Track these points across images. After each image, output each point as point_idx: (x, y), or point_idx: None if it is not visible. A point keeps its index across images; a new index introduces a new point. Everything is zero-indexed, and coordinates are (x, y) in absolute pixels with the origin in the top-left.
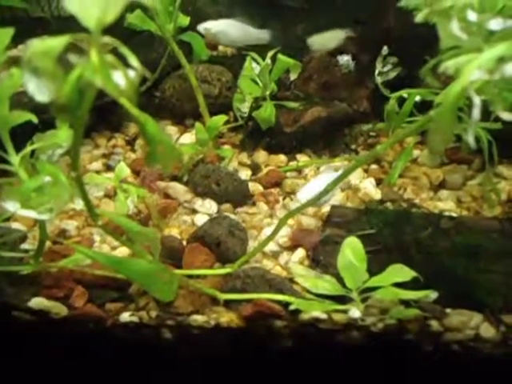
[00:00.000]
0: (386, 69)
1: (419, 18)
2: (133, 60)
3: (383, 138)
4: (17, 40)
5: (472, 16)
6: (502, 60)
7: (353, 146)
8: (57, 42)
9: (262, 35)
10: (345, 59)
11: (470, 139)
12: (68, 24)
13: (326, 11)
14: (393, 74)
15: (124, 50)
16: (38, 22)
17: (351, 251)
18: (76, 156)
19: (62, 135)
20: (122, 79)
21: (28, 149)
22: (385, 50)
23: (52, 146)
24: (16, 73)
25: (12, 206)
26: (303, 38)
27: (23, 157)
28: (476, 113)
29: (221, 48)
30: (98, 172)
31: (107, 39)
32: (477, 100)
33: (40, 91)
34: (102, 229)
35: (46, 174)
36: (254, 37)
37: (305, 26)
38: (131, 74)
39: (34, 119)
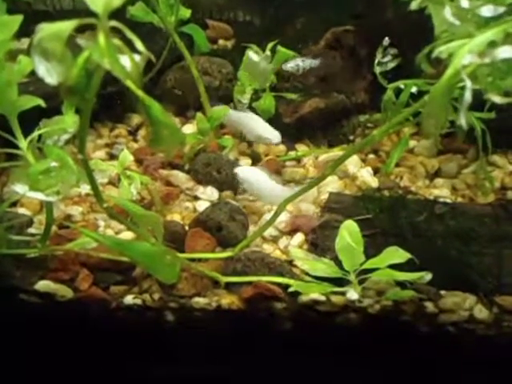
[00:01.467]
0: (385, 59)
1: (414, 5)
2: (139, 44)
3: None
4: (19, 33)
5: (464, 3)
6: (492, 44)
7: (351, 137)
8: (66, 26)
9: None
10: (289, 66)
11: (462, 121)
12: (70, 17)
13: (324, 4)
14: (392, 65)
15: (130, 35)
16: (40, 14)
17: (349, 234)
18: (83, 139)
19: (69, 121)
20: (128, 62)
21: (36, 133)
22: (386, 40)
23: (58, 131)
24: (23, 60)
25: (21, 189)
26: (302, 31)
27: (31, 141)
28: (467, 95)
29: (221, 42)
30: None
31: (114, 23)
32: (468, 83)
33: (49, 74)
34: (108, 212)
35: (53, 158)
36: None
37: (304, 20)
38: (137, 57)
39: (42, 104)
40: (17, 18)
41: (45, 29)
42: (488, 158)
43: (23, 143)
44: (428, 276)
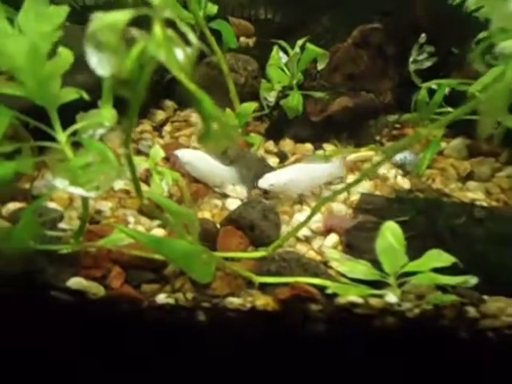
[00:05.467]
0: (420, 57)
1: (471, 3)
2: (191, 36)
3: (407, 130)
4: None
5: None
6: None
7: (377, 137)
8: (121, 17)
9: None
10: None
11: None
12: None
13: (351, 1)
14: (427, 64)
15: (184, 27)
16: None
17: (391, 235)
18: (129, 132)
19: (106, 114)
20: (182, 55)
21: (74, 127)
22: (422, 37)
23: (96, 124)
24: (64, 52)
25: (60, 183)
26: (329, 28)
27: (69, 135)
28: None
29: (242, 39)
30: None
31: (169, 13)
32: None
33: (102, 65)
34: (146, 208)
35: (93, 152)
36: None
37: (331, 16)
38: (189, 50)
39: (85, 96)
40: (62, 8)
41: (99, 19)
42: None
43: (62, 136)
44: (473, 280)
